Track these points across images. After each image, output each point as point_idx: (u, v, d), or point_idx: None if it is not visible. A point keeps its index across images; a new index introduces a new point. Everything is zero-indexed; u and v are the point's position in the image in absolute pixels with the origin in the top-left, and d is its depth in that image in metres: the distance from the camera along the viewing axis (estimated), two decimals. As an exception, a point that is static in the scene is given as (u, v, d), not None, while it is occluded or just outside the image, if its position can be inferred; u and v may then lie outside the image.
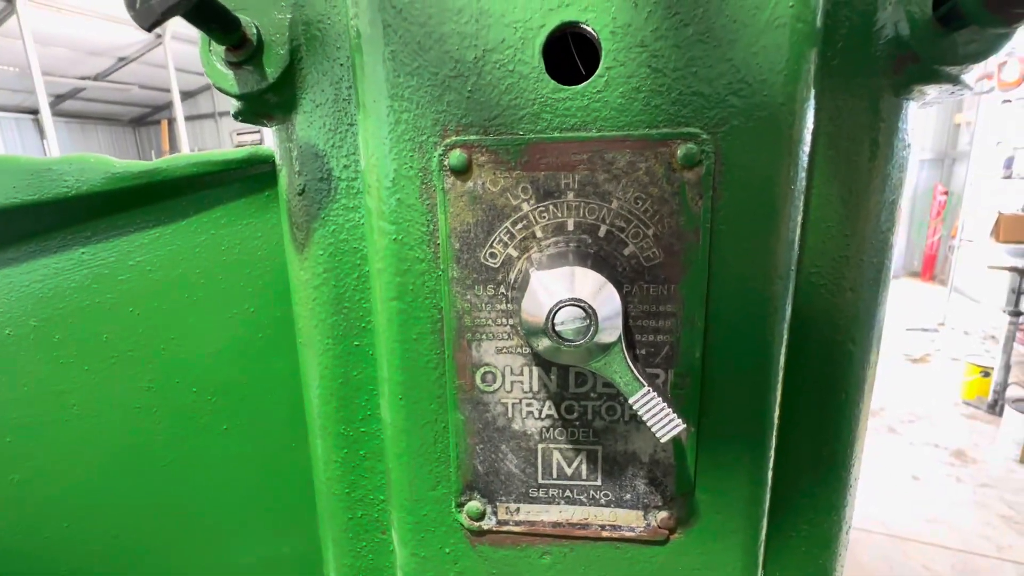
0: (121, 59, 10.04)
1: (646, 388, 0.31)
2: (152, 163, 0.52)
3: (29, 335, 0.55)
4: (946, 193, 8.06)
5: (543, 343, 0.30)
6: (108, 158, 0.52)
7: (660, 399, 0.32)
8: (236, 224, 0.55)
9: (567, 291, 0.29)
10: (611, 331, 0.30)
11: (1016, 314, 3.89)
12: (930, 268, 8.53)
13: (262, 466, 0.60)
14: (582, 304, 0.29)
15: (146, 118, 13.99)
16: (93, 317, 0.55)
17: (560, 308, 0.29)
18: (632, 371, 0.31)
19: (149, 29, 0.35)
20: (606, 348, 0.30)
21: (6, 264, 0.55)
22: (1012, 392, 4.15)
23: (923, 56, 0.36)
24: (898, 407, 4.65)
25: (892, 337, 6.17)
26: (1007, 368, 4.05)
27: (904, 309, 7.19)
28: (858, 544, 3.18)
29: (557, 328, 0.29)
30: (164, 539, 0.60)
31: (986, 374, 4.35)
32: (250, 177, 0.54)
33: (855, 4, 0.36)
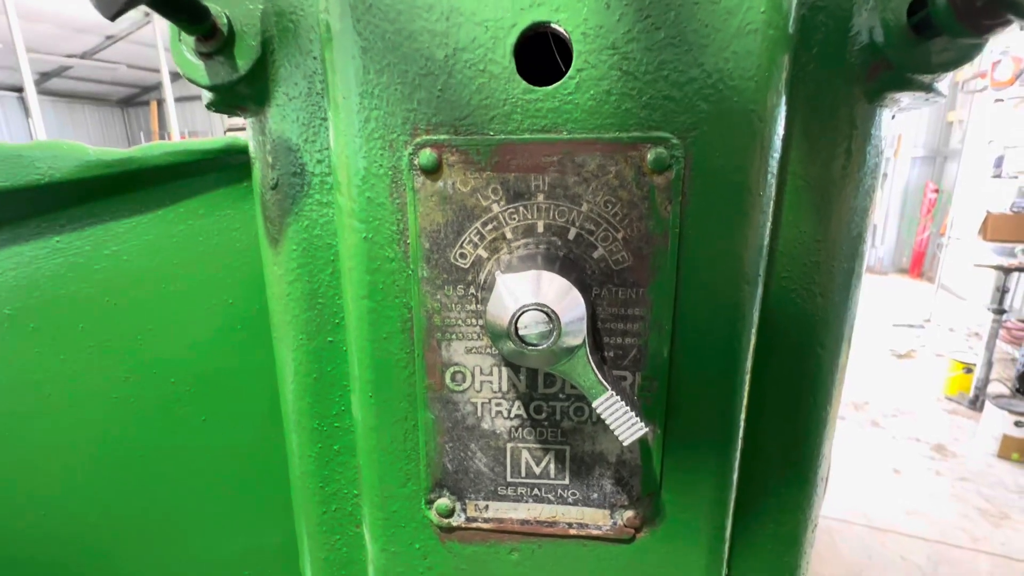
0: (109, 37, 9.81)
1: (609, 392, 0.31)
2: (127, 151, 0.51)
3: (3, 323, 0.54)
4: (937, 191, 8.12)
5: (507, 346, 0.30)
6: (82, 145, 0.52)
7: (623, 403, 0.32)
8: (214, 215, 0.54)
9: (532, 295, 0.29)
10: (575, 335, 0.30)
11: (1000, 312, 3.95)
12: (919, 265, 8.62)
13: (241, 458, 0.60)
14: (545, 309, 0.29)
15: (135, 98, 13.72)
16: (68, 306, 0.55)
17: (523, 312, 0.29)
18: (596, 375, 0.31)
19: (112, 18, 0.34)
20: (570, 352, 0.30)
21: (-21, 251, 0.54)
22: (993, 388, 4.23)
23: (896, 64, 0.36)
24: (882, 402, 4.72)
25: (879, 332, 6.24)
26: (989, 365, 4.12)
27: (892, 305, 7.27)
28: (838, 535, 3.25)
29: (520, 332, 0.29)
30: (143, 530, 0.60)
31: (968, 370, 4.43)
32: (228, 167, 0.53)
33: (830, 10, 0.36)
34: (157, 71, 9.31)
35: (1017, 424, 3.57)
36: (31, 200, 0.52)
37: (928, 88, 0.38)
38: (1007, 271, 3.94)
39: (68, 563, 0.59)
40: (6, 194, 0.50)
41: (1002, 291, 3.96)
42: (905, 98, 0.39)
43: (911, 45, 0.35)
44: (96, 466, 0.57)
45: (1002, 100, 5.86)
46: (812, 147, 0.38)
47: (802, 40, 0.36)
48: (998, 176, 6.04)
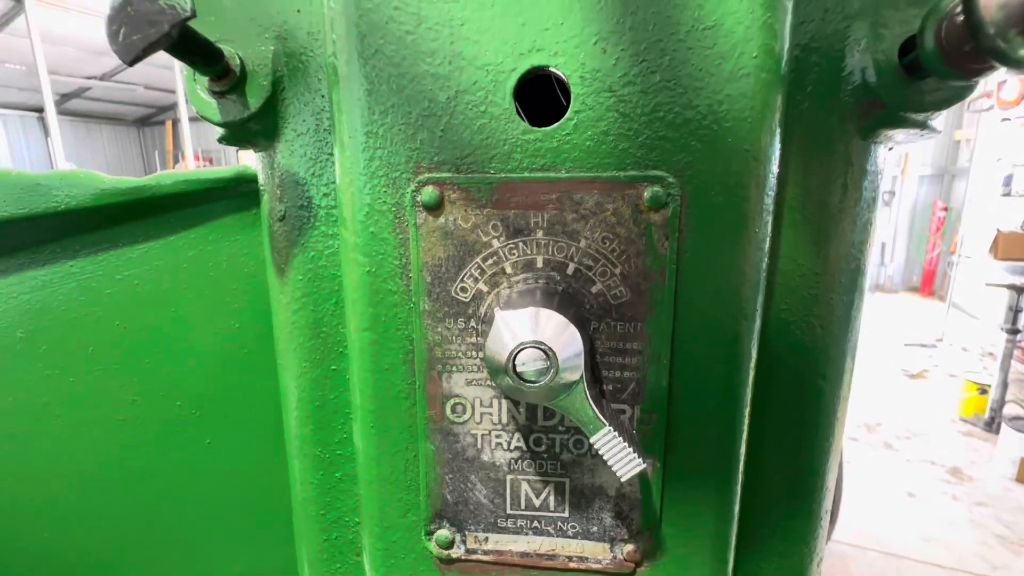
0: (128, 59, 10.06)
1: (607, 428, 0.31)
2: (141, 180, 0.53)
3: (15, 346, 0.55)
4: (945, 209, 8.07)
5: (505, 382, 0.30)
6: (97, 174, 0.53)
7: (620, 438, 0.32)
8: (223, 241, 0.56)
9: (530, 332, 0.29)
10: (572, 372, 0.30)
11: (1014, 332, 3.88)
12: (929, 283, 8.53)
13: (244, 481, 0.60)
14: (542, 347, 0.29)
15: (151, 118, 14.05)
16: (80, 329, 0.56)
17: (521, 350, 0.29)
18: (593, 411, 0.31)
19: (131, 64, 0.36)
20: (567, 388, 0.31)
21: (-5, 275, 0.55)
22: (1009, 410, 4.14)
23: (889, 103, 0.36)
24: (895, 423, 4.64)
25: (890, 352, 6.16)
26: (1004, 386, 4.04)
27: (903, 324, 7.18)
28: (852, 561, 3.16)
29: (518, 369, 0.29)
30: (147, 550, 0.61)
31: (983, 391, 4.34)
32: (238, 195, 0.55)
33: (823, 51, 0.37)
34: (173, 92, 9.55)
35: (1035, 448, 3.49)
36: (48, 227, 0.53)
37: (922, 125, 0.38)
38: (1020, 290, 3.89)
39: None
40: (24, 221, 0.52)
41: (1015, 310, 3.90)
42: (899, 135, 0.39)
43: (903, 85, 0.36)
44: (102, 486, 0.58)
45: (1009, 119, 5.86)
46: (808, 183, 0.39)
47: (796, 80, 0.37)
48: (1007, 195, 6.01)
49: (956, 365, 5.68)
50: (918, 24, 0.35)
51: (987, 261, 4.76)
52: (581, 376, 0.30)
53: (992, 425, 4.14)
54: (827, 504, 0.48)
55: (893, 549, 3.23)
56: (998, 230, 4.84)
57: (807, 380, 0.43)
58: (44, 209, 0.52)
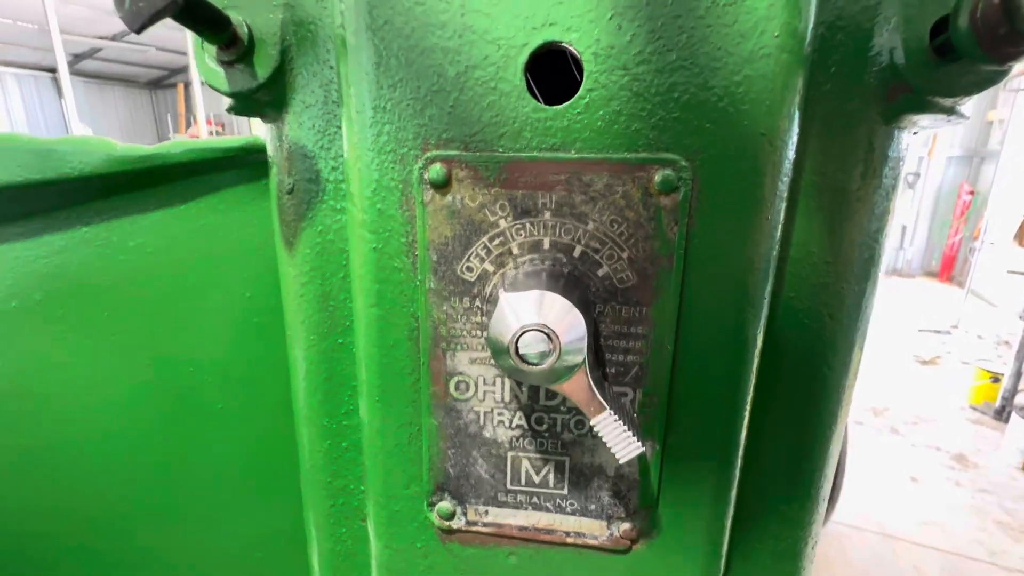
0: (140, 19, 9.94)
1: (607, 411, 0.31)
2: (151, 148, 0.53)
3: (34, 308, 0.57)
4: (972, 193, 7.83)
5: (508, 363, 0.30)
6: (110, 141, 0.53)
7: (620, 422, 0.33)
8: (234, 211, 0.56)
9: (534, 315, 0.30)
10: (574, 355, 0.30)
11: (1032, 321, 3.81)
12: (948, 269, 8.35)
13: (255, 445, 0.62)
14: (546, 330, 0.29)
15: (163, 80, 13.96)
16: (95, 294, 0.57)
17: (524, 332, 0.29)
18: (594, 394, 0.32)
19: (138, 31, 0.35)
20: (569, 371, 0.31)
21: (13, 239, 0.56)
22: (1021, 399, 4.10)
23: (916, 86, 0.35)
24: (903, 408, 4.62)
25: (903, 337, 6.09)
26: (1018, 375, 3.99)
27: (918, 309, 7.08)
28: (849, 541, 3.21)
29: (521, 351, 0.30)
30: (161, 510, 0.63)
31: (996, 380, 4.30)
32: (247, 165, 0.55)
33: (850, 29, 0.35)
34: (185, 54, 9.45)
35: (1044, 437, 3.47)
36: (62, 192, 0.54)
37: (950, 111, 0.37)
38: (1042, 279, 3.79)
39: (88, 539, 0.62)
40: (38, 186, 0.52)
41: (1035, 300, 3.82)
42: (925, 119, 0.38)
43: (932, 68, 0.34)
44: (117, 446, 0.60)
45: (1047, 99, 5.60)
46: (826, 168, 0.38)
47: (820, 60, 0.36)
48: (1038, 179, 5.80)
49: (970, 353, 5.61)
50: (952, 3, 0.33)
51: (1011, 248, 4.64)
52: (583, 360, 0.31)
53: (1003, 414, 4.11)
54: (825, 490, 0.49)
55: (892, 531, 3.27)
56: (1025, 216, 4.70)
57: (813, 368, 0.42)
58: (58, 175, 0.52)
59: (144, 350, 0.58)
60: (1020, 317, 3.88)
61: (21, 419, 0.58)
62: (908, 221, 8.75)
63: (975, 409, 4.41)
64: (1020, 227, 4.50)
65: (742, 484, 0.43)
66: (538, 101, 0.40)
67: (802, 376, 0.42)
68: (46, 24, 6.58)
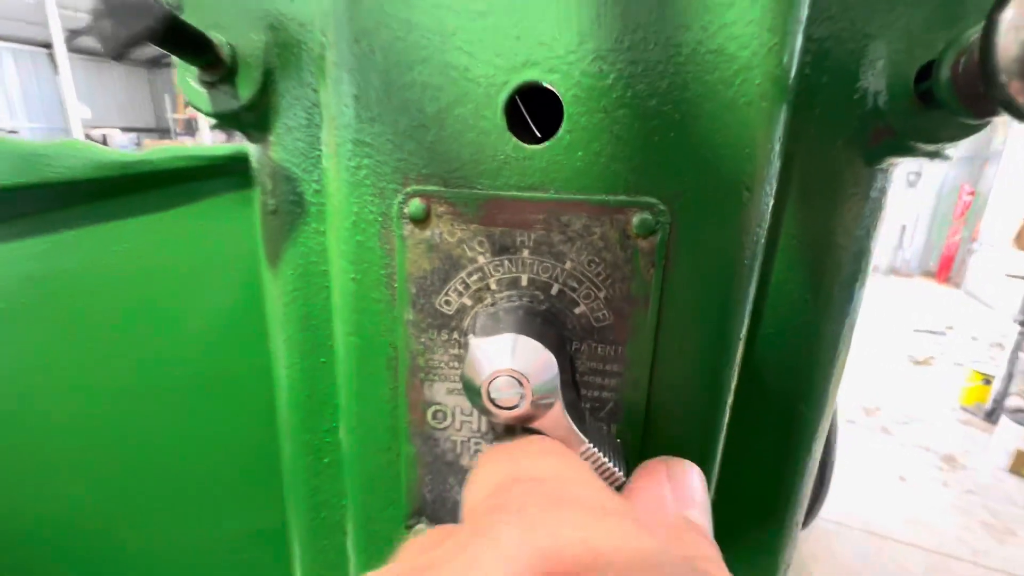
0: (139, -3, 9.80)
1: (586, 444, 0.32)
2: (137, 154, 0.53)
3: (18, 311, 0.57)
4: (973, 194, 7.81)
5: (481, 407, 0.31)
6: (96, 146, 0.53)
7: (600, 453, 0.33)
8: (219, 219, 0.56)
9: (505, 360, 0.30)
10: (547, 397, 0.30)
11: (1026, 325, 3.83)
12: (946, 269, 8.36)
13: (241, 447, 0.63)
14: (516, 376, 0.29)
15: (161, 60, 13.77)
16: (79, 298, 0.57)
17: (496, 378, 0.29)
18: (574, 429, 0.32)
19: (116, 58, 0.35)
20: (545, 410, 0.31)
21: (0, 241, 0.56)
22: (1011, 402, 4.14)
23: (899, 130, 0.35)
24: (894, 408, 4.66)
25: (897, 337, 6.12)
26: (1010, 377, 4.02)
27: (914, 309, 7.10)
28: (835, 538, 3.26)
29: (492, 396, 0.30)
30: (148, 508, 0.64)
31: (987, 381, 4.33)
32: (233, 173, 0.54)
33: (835, 71, 0.35)
34: (185, 34, 9.29)
35: (1031, 441, 3.51)
36: (47, 196, 0.54)
37: (932, 155, 0.37)
38: (1038, 283, 3.81)
39: (73, 537, 0.63)
40: (25, 189, 0.52)
41: (1031, 304, 3.84)
42: (908, 161, 0.38)
43: (916, 113, 0.34)
44: (105, 444, 0.61)
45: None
46: (807, 208, 0.38)
47: (804, 102, 0.36)
48: (1040, 182, 5.79)
49: (963, 354, 5.64)
50: (938, 49, 0.33)
51: (1009, 251, 4.64)
52: (556, 399, 0.31)
53: (992, 416, 4.15)
54: (799, 516, 0.50)
55: (878, 529, 3.31)
56: (1023, 219, 4.69)
57: (789, 403, 0.43)
58: (43, 179, 0.52)
59: (132, 352, 0.58)
60: (1015, 321, 3.90)
61: (15, 418, 0.59)
62: (908, 221, 8.74)
63: (966, 410, 4.45)
64: (1018, 230, 4.50)
65: (716, 514, 0.44)
66: (530, 127, 0.40)
67: (778, 409, 0.43)
68: (42, -1, 6.48)
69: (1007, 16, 0.24)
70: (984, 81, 0.25)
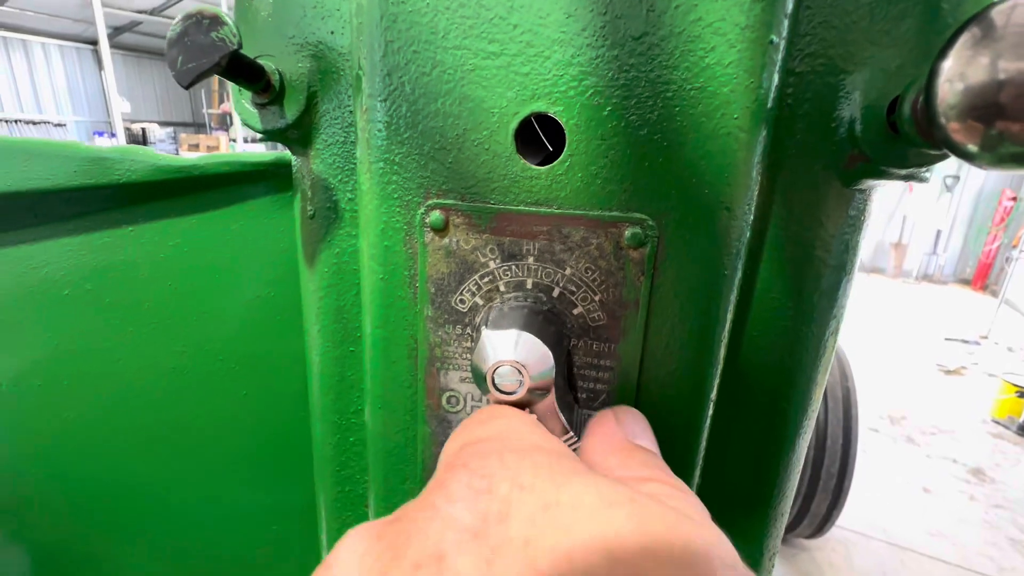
0: (178, -5, 10.18)
1: (570, 434, 0.37)
2: (190, 160, 0.60)
3: (84, 297, 0.64)
4: (1014, 199, 7.50)
5: (486, 391, 0.36)
6: (153, 152, 0.60)
7: (578, 440, 0.38)
8: (262, 218, 0.62)
9: (508, 352, 0.35)
10: (542, 387, 0.35)
11: (1063, 338, 3.69)
12: (983, 277, 8.06)
13: (275, 429, 0.70)
14: (517, 366, 0.34)
15: (200, 56, 14.16)
16: (137, 287, 0.64)
17: (499, 367, 0.34)
18: (560, 417, 0.37)
19: (187, 87, 0.41)
20: (540, 397, 0.36)
21: (68, 234, 0.64)
22: (1045, 417, 3.99)
23: (872, 157, 0.38)
24: (921, 418, 4.54)
25: (928, 345, 5.94)
26: (1044, 392, 3.89)
27: (946, 317, 6.87)
28: (853, 546, 3.21)
29: (496, 382, 0.35)
30: (188, 482, 0.71)
31: (1022, 394, 4.19)
32: (276, 177, 0.61)
33: (815, 101, 0.39)
34: (221, 32, 9.57)
35: (1064, 457, 3.39)
36: (110, 197, 0.61)
37: (907, 178, 0.40)
38: (1077, 295, 3.67)
39: (127, 500, 0.70)
40: (91, 190, 0.59)
41: (1069, 315, 3.69)
42: (883, 183, 0.41)
43: (887, 141, 0.38)
44: (155, 419, 0.68)
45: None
46: (789, 224, 0.42)
47: (785, 128, 0.40)
48: (1086, 188, 5.54)
49: (998, 365, 5.44)
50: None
51: (1049, 259, 4.47)
52: (550, 389, 0.36)
53: (1024, 430, 4.02)
54: (785, 507, 0.53)
55: (899, 541, 3.25)
56: (1067, 227, 4.50)
57: (772, 400, 0.47)
58: (108, 181, 0.59)
59: (178, 339, 0.65)
60: (1051, 332, 3.76)
61: (72, 393, 0.66)
62: (943, 226, 8.44)
63: (998, 423, 4.31)
64: (1061, 239, 4.33)
65: (703, 502, 0.48)
66: (546, 146, 0.44)
67: (762, 405, 0.47)
68: (90, -1, 6.76)
69: (945, 66, 0.28)
70: (927, 122, 0.29)
